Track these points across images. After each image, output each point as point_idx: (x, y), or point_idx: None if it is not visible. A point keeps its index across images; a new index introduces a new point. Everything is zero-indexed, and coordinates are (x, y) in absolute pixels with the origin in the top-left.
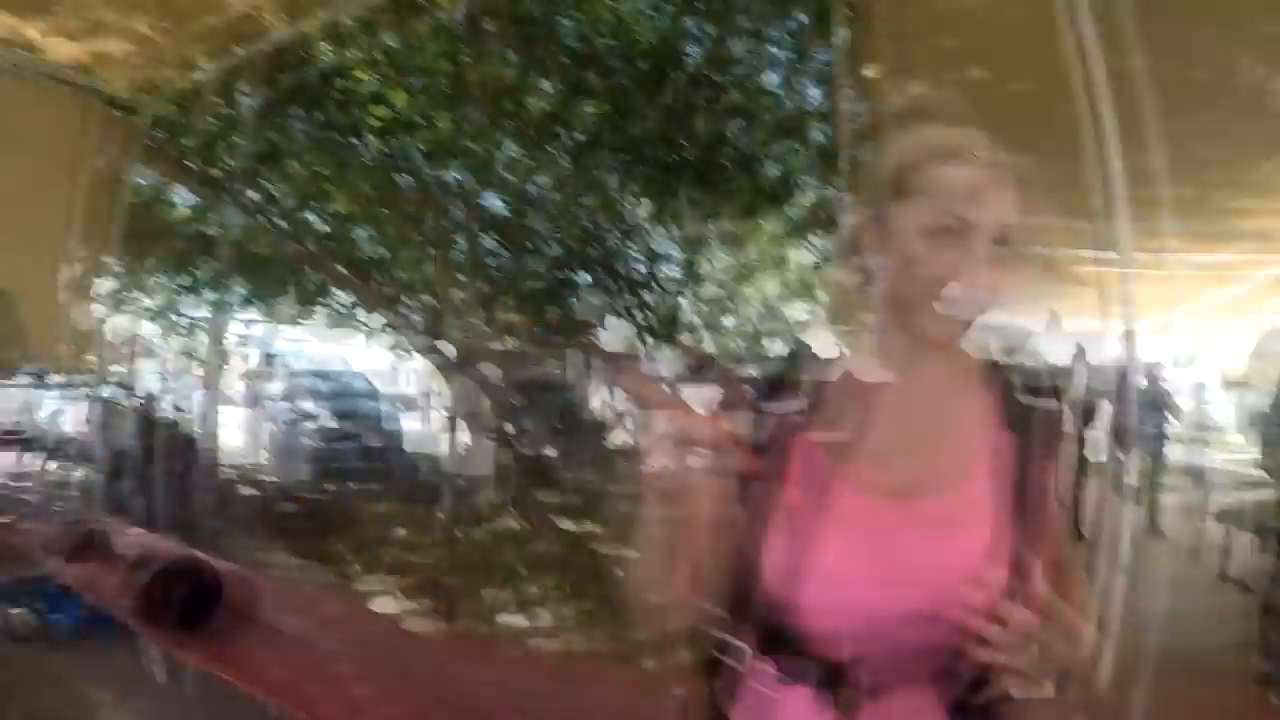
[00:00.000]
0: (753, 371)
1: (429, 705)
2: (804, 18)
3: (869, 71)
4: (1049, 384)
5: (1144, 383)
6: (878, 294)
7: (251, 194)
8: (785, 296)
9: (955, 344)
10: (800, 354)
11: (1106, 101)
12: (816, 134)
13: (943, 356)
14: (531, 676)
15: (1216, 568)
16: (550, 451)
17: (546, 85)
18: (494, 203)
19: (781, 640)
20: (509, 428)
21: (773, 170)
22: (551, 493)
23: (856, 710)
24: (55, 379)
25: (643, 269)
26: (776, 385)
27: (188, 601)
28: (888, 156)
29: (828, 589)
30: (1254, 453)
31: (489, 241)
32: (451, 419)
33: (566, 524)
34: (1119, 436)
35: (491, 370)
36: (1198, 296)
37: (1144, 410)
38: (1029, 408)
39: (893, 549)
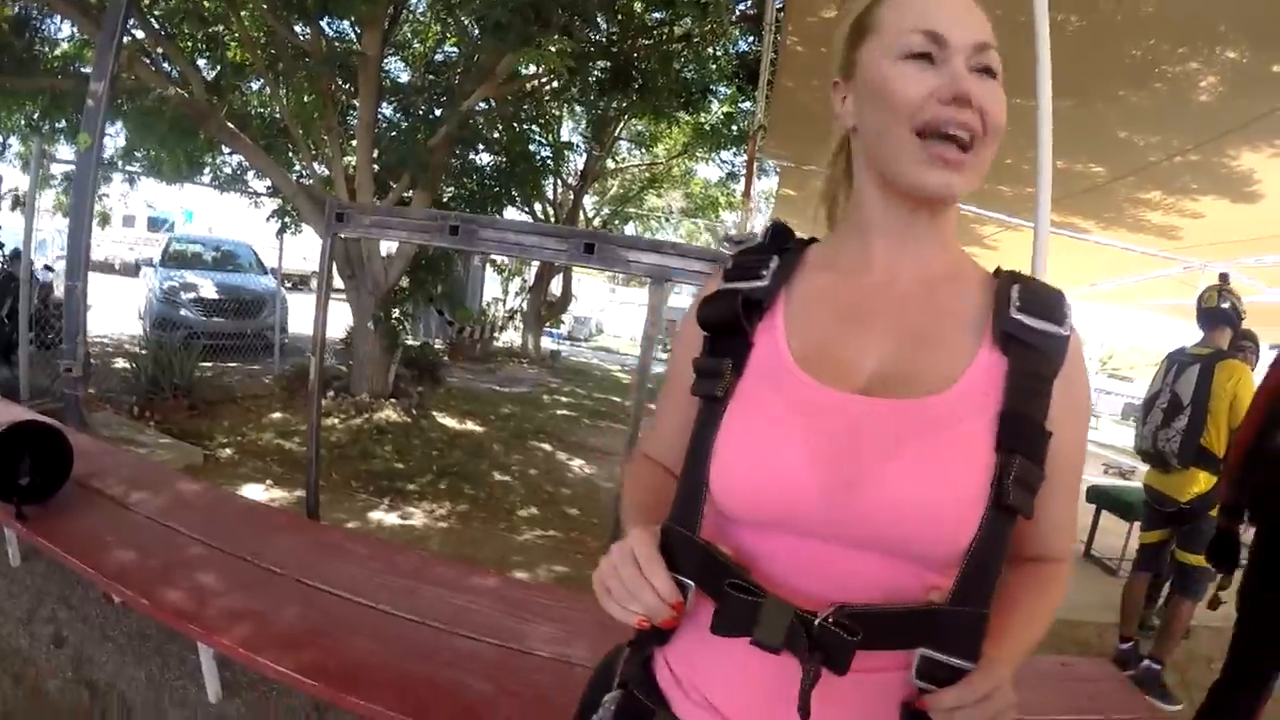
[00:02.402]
0: (727, 244)
1: (278, 594)
2: None
3: None
4: (1052, 303)
5: None
6: (859, 160)
7: (136, 31)
8: (689, 210)
9: (946, 209)
10: (777, 231)
11: (1044, 61)
12: (739, 42)
13: (932, 231)
14: (394, 574)
15: (1082, 547)
16: (437, 343)
17: None
18: (396, 66)
19: (726, 573)
20: (395, 314)
21: (690, 73)
22: (435, 387)
23: (814, 674)
24: None
25: (547, 155)
26: (744, 263)
27: (33, 470)
28: (850, 7)
29: (780, 494)
30: (1128, 438)
31: (388, 110)
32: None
33: (448, 420)
34: None
35: (379, 251)
36: (1090, 279)
37: None
38: (1024, 326)
39: (857, 449)
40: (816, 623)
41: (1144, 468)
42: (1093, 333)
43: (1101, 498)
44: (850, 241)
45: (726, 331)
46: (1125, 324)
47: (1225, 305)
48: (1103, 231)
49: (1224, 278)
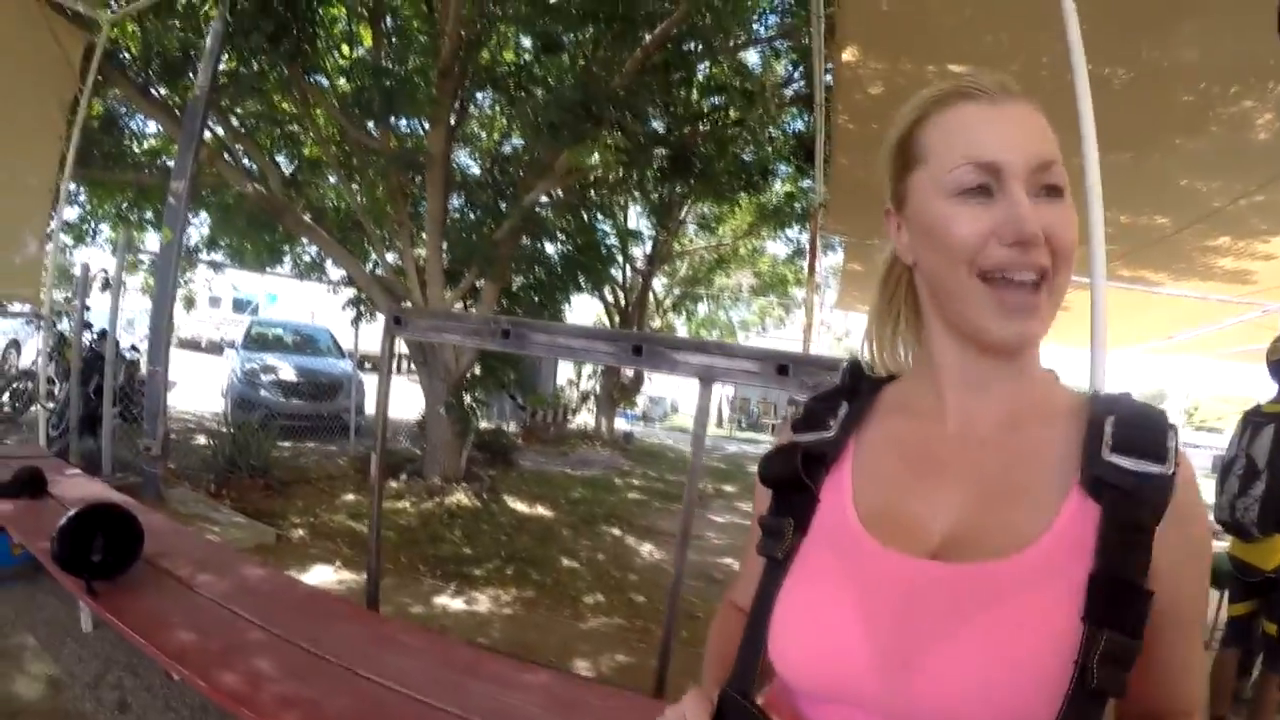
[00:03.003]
0: (800, 395)
1: (331, 683)
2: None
3: (846, 54)
4: (1152, 436)
5: None
6: (923, 297)
7: (216, 129)
8: (758, 287)
9: (1023, 353)
10: (853, 371)
11: (1088, 114)
12: (795, 121)
13: (1010, 374)
14: (447, 668)
15: None
16: (510, 426)
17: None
18: (464, 160)
19: None
20: (467, 399)
21: (748, 155)
22: (508, 470)
23: None
24: (13, 309)
25: (614, 243)
26: (814, 410)
27: (105, 549)
28: (890, 133)
29: (834, 669)
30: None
31: (457, 202)
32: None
33: (518, 504)
34: None
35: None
36: (1167, 331)
37: None
38: (1118, 469)
39: (915, 622)
40: None
41: None
42: (1175, 386)
43: None
44: (923, 383)
45: (790, 488)
46: (1208, 374)
47: None
48: (1175, 283)
49: None
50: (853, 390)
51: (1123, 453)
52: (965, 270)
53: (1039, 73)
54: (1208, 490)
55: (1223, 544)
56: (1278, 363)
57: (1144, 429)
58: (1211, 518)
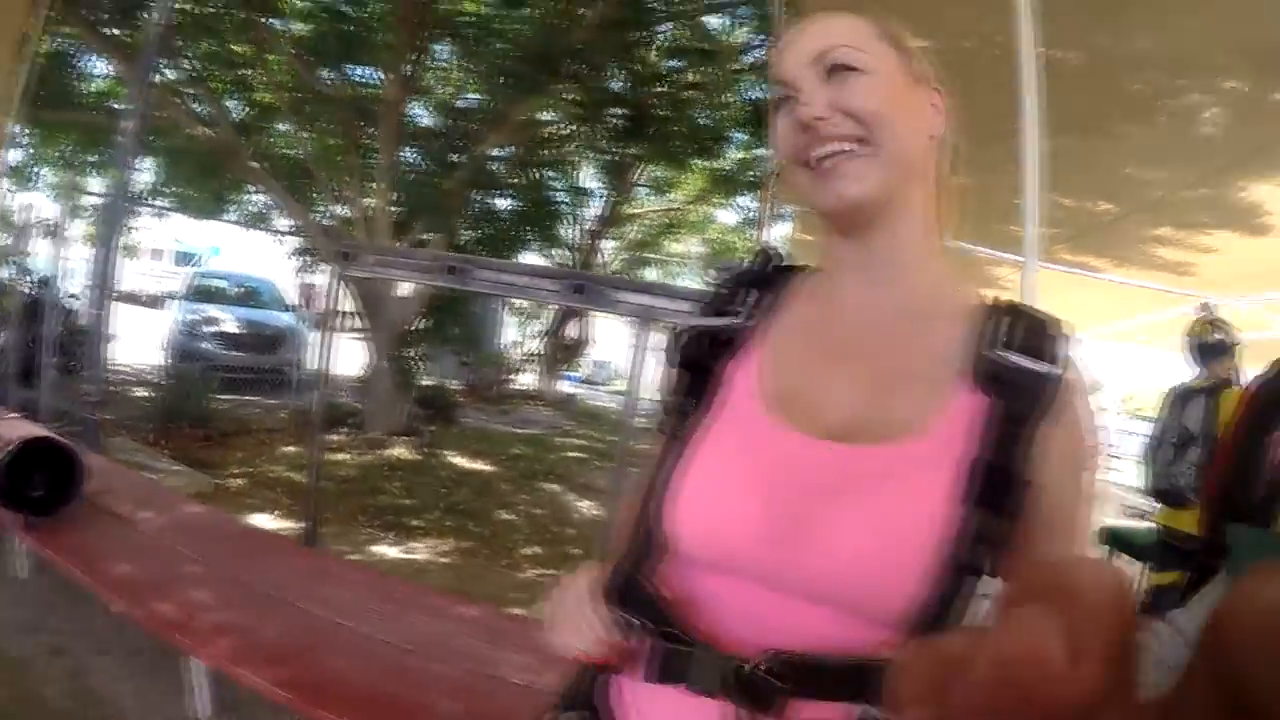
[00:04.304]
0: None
1: (267, 613)
2: None
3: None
4: (1045, 337)
5: None
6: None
7: (168, 72)
8: (708, 256)
9: (888, 229)
10: (764, 259)
11: (1033, 97)
12: (753, 90)
13: (882, 259)
14: (383, 601)
15: None
16: (453, 384)
17: None
18: (418, 112)
19: (665, 617)
20: (411, 354)
21: (704, 118)
22: (448, 427)
23: None
24: None
25: (565, 201)
26: (721, 297)
27: (44, 485)
28: None
29: (726, 537)
30: (1144, 480)
31: (410, 155)
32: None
33: (458, 459)
34: None
35: (394, 292)
36: (1109, 319)
37: None
38: (1007, 365)
39: (808, 497)
40: (746, 669)
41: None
42: (1113, 374)
43: (1114, 539)
44: (826, 272)
45: (695, 370)
46: (1146, 363)
47: (1220, 336)
48: (1117, 270)
49: (1207, 307)
50: (763, 278)
51: (1014, 349)
52: (790, 167)
53: (994, 51)
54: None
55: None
56: (1203, 344)
57: (1037, 331)
58: (1145, 488)
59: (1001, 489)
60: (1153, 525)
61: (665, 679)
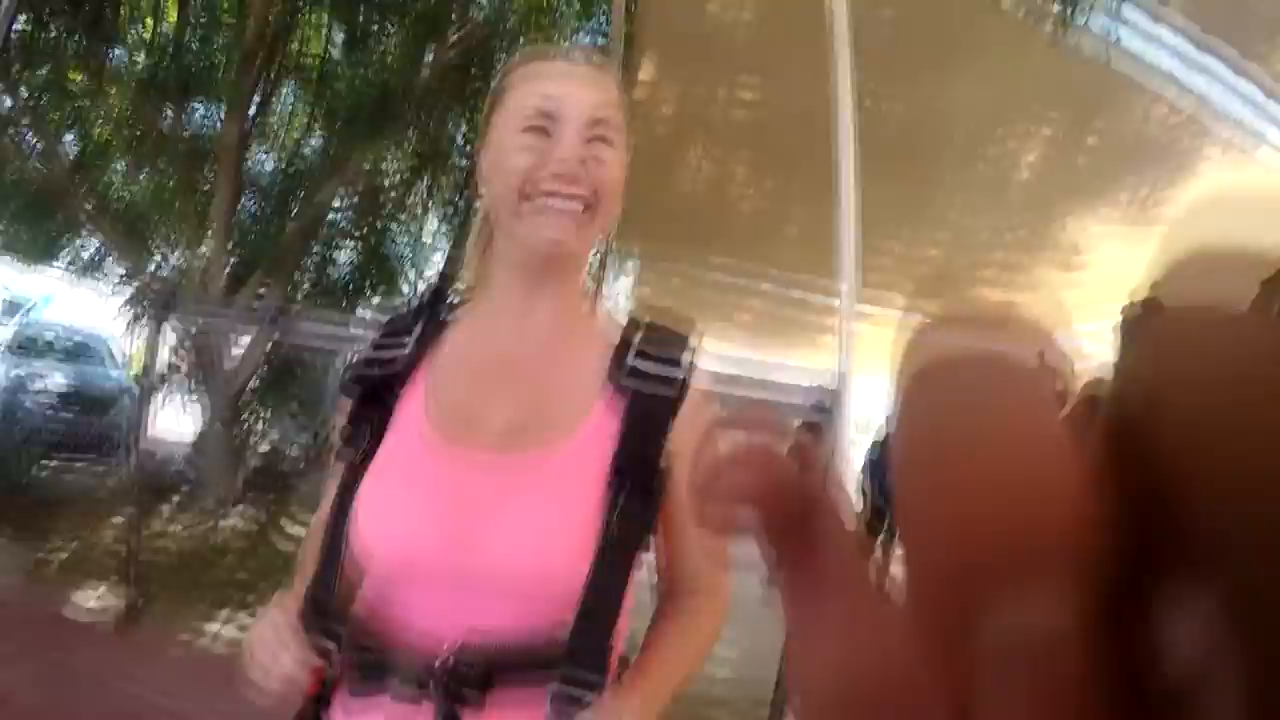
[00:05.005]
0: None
1: (81, 698)
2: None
3: (643, 73)
4: (672, 346)
5: None
6: (486, 222)
7: (3, 98)
8: None
9: (563, 268)
10: (432, 295)
11: (851, 141)
12: None
13: (555, 291)
14: (201, 677)
15: None
16: (292, 450)
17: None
18: (259, 157)
19: (365, 632)
20: (247, 416)
21: None
22: (287, 494)
23: (449, 715)
24: None
25: (407, 251)
26: (391, 331)
27: None
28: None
29: (403, 548)
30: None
31: (248, 200)
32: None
33: (298, 530)
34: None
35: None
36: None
37: None
38: (638, 371)
39: (473, 502)
40: (437, 664)
41: None
42: None
43: None
44: (487, 299)
45: (366, 399)
46: None
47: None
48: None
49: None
50: (428, 313)
51: (646, 359)
52: (517, 192)
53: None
54: None
55: None
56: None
57: (665, 342)
58: None
59: (642, 475)
60: None
61: (368, 689)
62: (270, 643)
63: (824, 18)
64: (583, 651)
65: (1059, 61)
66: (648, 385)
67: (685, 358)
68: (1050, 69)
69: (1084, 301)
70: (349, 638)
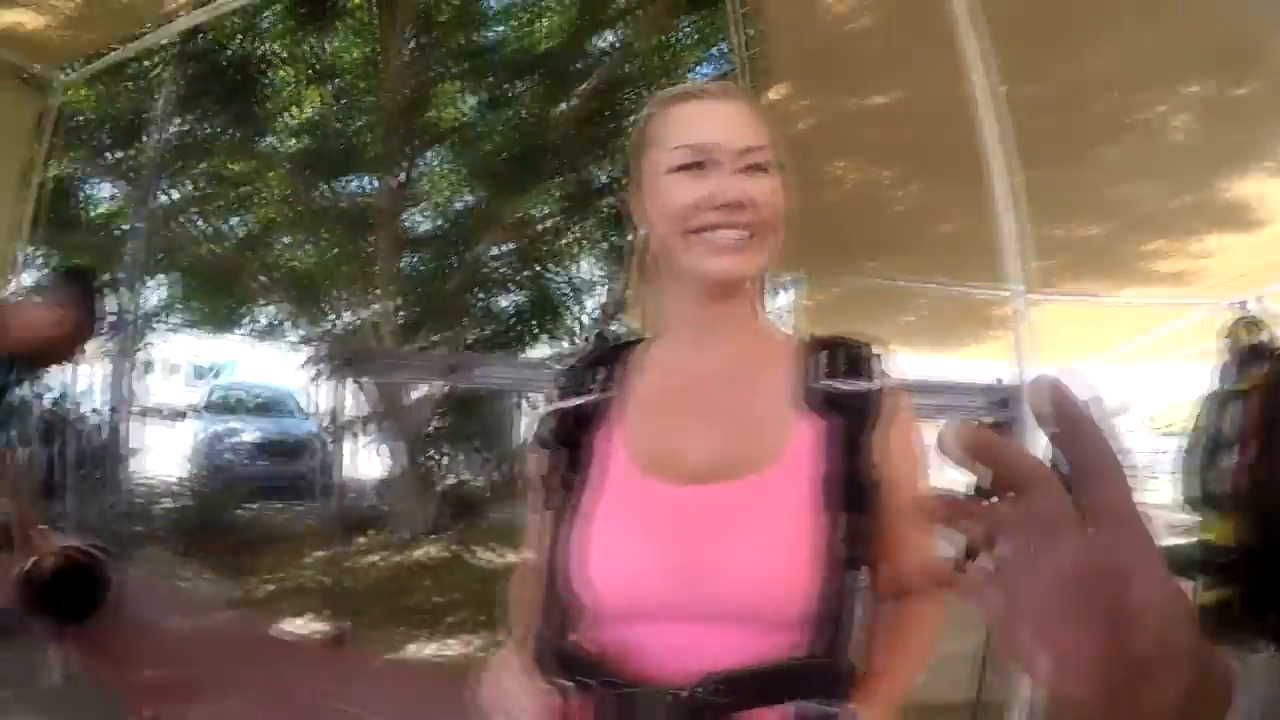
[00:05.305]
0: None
1: (304, 717)
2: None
3: (773, 93)
4: (858, 361)
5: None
6: (655, 265)
7: (171, 192)
8: None
9: (739, 297)
10: (602, 342)
11: (996, 132)
12: None
13: (736, 321)
14: (415, 695)
15: None
16: (477, 480)
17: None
18: (416, 218)
19: (597, 671)
20: (432, 452)
21: None
22: (476, 522)
23: None
24: None
25: (566, 290)
26: (573, 378)
27: (73, 592)
28: (637, 124)
29: (632, 585)
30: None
31: (409, 258)
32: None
33: (488, 555)
34: None
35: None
36: (1119, 343)
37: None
38: (831, 391)
39: (693, 535)
40: (686, 694)
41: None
42: (1135, 397)
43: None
44: (669, 337)
45: (565, 446)
46: (1164, 381)
47: (1260, 337)
48: (1119, 291)
49: (1244, 308)
50: (605, 356)
51: (834, 377)
52: (681, 229)
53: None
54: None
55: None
56: (1242, 348)
57: (850, 358)
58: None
59: (853, 493)
60: (1195, 540)
61: None
62: (515, 692)
63: (945, 8)
64: (821, 671)
65: (1198, 17)
66: (841, 402)
67: (873, 367)
68: (1190, 26)
69: (1265, 262)
70: (588, 679)
